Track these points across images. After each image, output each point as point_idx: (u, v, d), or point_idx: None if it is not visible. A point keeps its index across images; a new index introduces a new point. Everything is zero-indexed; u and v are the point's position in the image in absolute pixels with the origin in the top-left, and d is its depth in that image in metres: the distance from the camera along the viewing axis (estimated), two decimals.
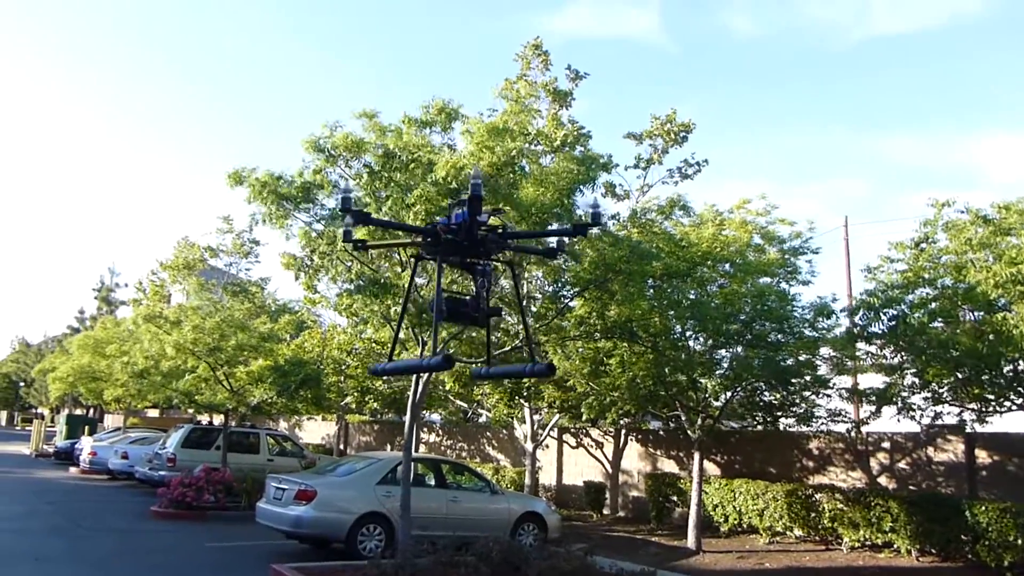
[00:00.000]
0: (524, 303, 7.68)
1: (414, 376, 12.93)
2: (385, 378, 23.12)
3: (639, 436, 20.54)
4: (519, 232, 7.15)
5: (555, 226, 11.05)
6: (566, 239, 7.10)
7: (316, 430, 35.02)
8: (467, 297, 6.05)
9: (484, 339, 14.34)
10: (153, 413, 49.28)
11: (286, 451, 22.23)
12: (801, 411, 15.19)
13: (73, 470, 27.69)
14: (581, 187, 11.53)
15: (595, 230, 12.78)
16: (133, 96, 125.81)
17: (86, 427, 34.58)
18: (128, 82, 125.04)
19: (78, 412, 48.40)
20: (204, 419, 29.63)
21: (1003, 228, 11.27)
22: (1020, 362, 11.54)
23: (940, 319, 12.03)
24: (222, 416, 20.81)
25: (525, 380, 16.62)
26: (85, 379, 31.22)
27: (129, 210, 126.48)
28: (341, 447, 30.87)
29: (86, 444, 27.75)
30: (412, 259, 6.57)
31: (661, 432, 20.11)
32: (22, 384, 66.11)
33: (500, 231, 6.12)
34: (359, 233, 8.77)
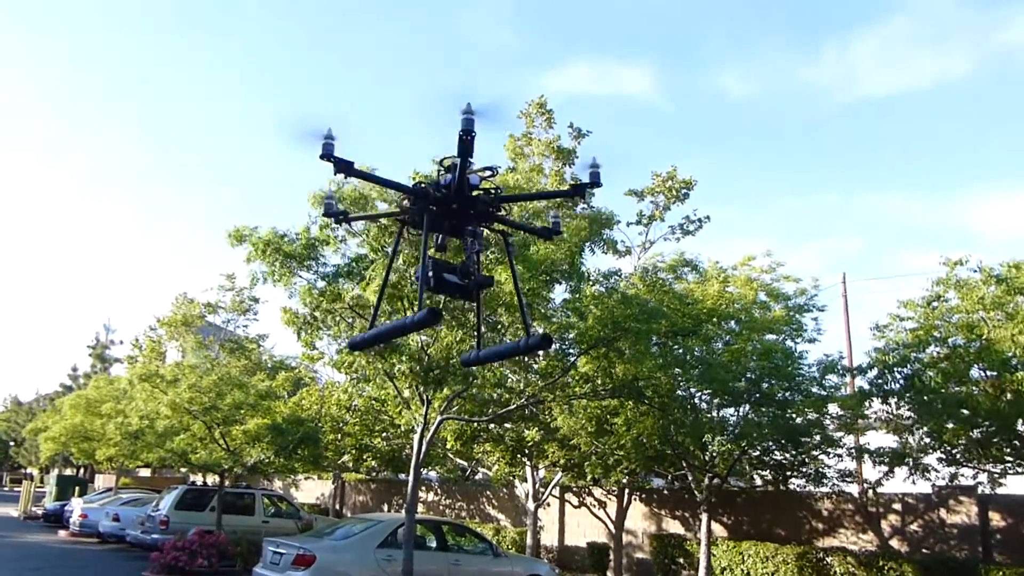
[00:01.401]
0: (519, 283, 6.95)
1: (416, 435, 12.70)
2: (383, 435, 22.76)
3: (643, 495, 20.12)
4: (514, 195, 6.47)
5: (562, 285, 10.99)
6: (561, 223, 6.30)
7: (312, 489, 34.34)
8: (456, 264, 5.36)
9: (487, 398, 14.21)
10: (145, 473, 48.40)
11: (282, 512, 21.69)
12: (811, 471, 14.91)
13: (62, 533, 26.94)
14: (591, 244, 11.51)
15: (597, 286, 12.76)
16: (130, 151, 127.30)
17: (76, 488, 33.82)
18: (125, 138, 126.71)
19: (68, 472, 47.50)
20: (198, 479, 29.05)
21: (1016, 287, 11.23)
22: None
23: (954, 379, 11.88)
24: (216, 476, 20.36)
25: (527, 437, 16.35)
26: (77, 439, 30.68)
27: (125, 266, 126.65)
28: (337, 507, 30.20)
29: (76, 506, 27.06)
30: (399, 224, 5.82)
31: (665, 491, 19.72)
32: (12, 444, 65.04)
33: (493, 193, 5.58)
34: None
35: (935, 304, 12.70)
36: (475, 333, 11.31)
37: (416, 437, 12.64)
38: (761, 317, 14.19)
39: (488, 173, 5.45)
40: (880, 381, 12.78)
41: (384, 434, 21.98)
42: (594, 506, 20.87)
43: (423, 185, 5.38)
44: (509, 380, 14.38)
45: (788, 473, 15.46)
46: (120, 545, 22.82)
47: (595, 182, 5.50)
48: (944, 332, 12.40)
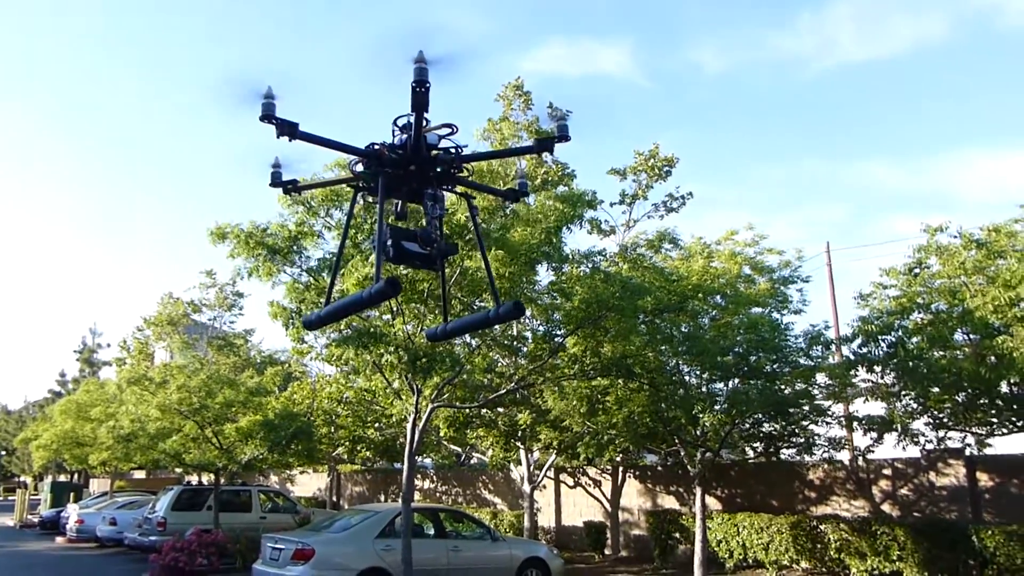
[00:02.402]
0: (485, 250, 6.48)
1: (409, 424, 12.74)
2: (376, 425, 22.80)
3: (637, 473, 20.27)
4: (477, 154, 6.07)
5: (544, 265, 11.00)
6: (528, 184, 5.93)
7: (308, 483, 34.38)
8: (416, 231, 4.93)
9: (478, 384, 14.25)
10: (140, 475, 48.28)
11: (279, 507, 21.74)
12: (801, 441, 15.07)
13: (60, 540, 26.88)
14: (568, 225, 11.51)
15: (581, 269, 12.77)
16: (110, 155, 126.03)
17: (72, 494, 33.70)
18: (107, 141, 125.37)
19: (62, 478, 47.30)
20: (193, 479, 29.01)
21: (995, 251, 11.34)
22: (1019, 385, 11.51)
23: (937, 344, 12.01)
24: (212, 475, 20.35)
25: (520, 420, 16.42)
26: (69, 445, 30.55)
27: (110, 270, 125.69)
28: (334, 499, 30.27)
29: (72, 512, 26.98)
30: (353, 191, 5.37)
31: (659, 467, 19.87)
32: (3, 453, 64.66)
33: (454, 151, 5.14)
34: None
35: (917, 271, 12.81)
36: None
37: (409, 426, 12.67)
38: (746, 291, 14.27)
39: (447, 131, 5.07)
40: (864, 350, 12.89)
41: (377, 424, 22.02)
42: (589, 485, 21.02)
43: (376, 146, 4.93)
44: (499, 365, 14.43)
45: (779, 444, 15.61)
46: (118, 549, 22.81)
47: (563, 135, 5.16)
48: (927, 299, 12.51)
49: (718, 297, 14.11)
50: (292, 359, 24.73)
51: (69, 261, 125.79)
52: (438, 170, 5.04)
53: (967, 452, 14.26)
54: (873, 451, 14.49)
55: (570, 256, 12.55)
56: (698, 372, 14.09)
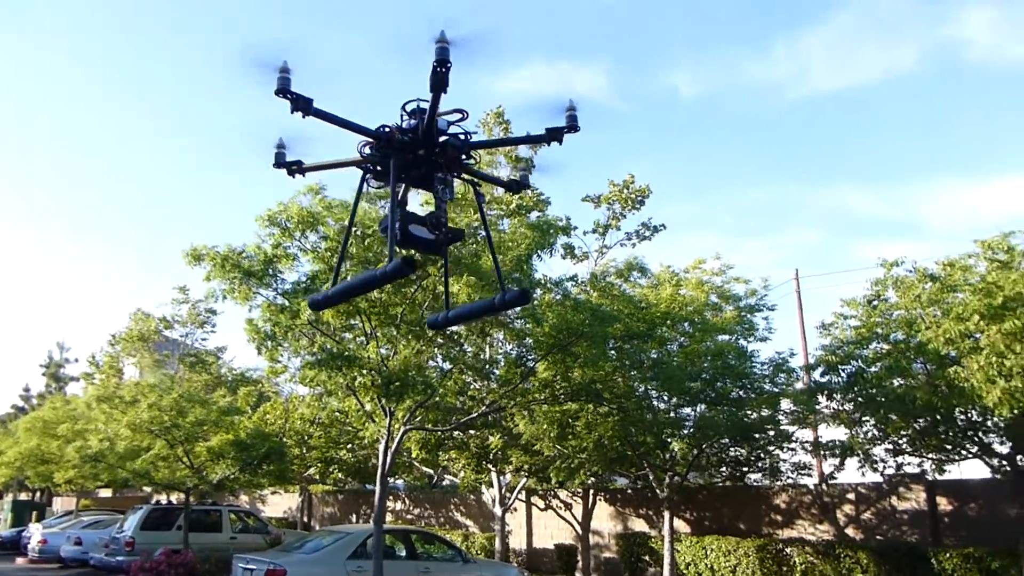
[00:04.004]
0: (491, 236, 6.20)
1: (381, 447, 12.84)
2: (348, 446, 22.78)
3: (607, 496, 20.46)
4: (487, 141, 5.76)
5: (514, 288, 11.22)
6: (529, 177, 5.74)
7: (279, 503, 34.10)
8: (424, 216, 4.88)
9: (450, 406, 14.39)
10: (106, 493, 47.47)
11: (249, 527, 21.56)
12: (766, 466, 15.39)
13: (20, 560, 26.33)
14: (539, 253, 11.78)
15: (552, 295, 13.02)
16: (82, 166, 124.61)
17: (34, 512, 33.08)
18: (78, 152, 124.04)
19: (24, 497, 46.36)
20: (161, 498, 28.69)
21: (949, 285, 11.80)
22: (973, 413, 11.94)
23: (895, 374, 12.43)
24: (181, 494, 20.18)
25: (491, 444, 16.56)
26: (34, 462, 30.03)
27: (79, 284, 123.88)
28: (305, 520, 30.06)
29: (35, 531, 26.45)
30: (361, 172, 5.25)
31: (629, 491, 20.08)
32: None
33: (463, 137, 5.08)
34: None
35: (875, 303, 13.26)
36: (437, 349, 11.43)
37: (381, 448, 12.78)
38: (713, 318, 14.63)
39: (458, 116, 4.98)
40: (825, 379, 13.29)
41: (349, 445, 22.01)
42: (560, 508, 21.16)
43: (387, 129, 4.84)
44: (471, 388, 14.60)
45: (745, 468, 15.92)
46: (84, 569, 22.46)
47: (572, 126, 5.04)
48: (885, 329, 12.95)
49: (686, 324, 14.44)
50: (265, 379, 24.62)
51: (36, 274, 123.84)
52: (448, 155, 4.98)
53: (928, 477, 14.67)
54: (836, 477, 14.86)
55: (541, 282, 12.80)
56: (666, 398, 14.39)
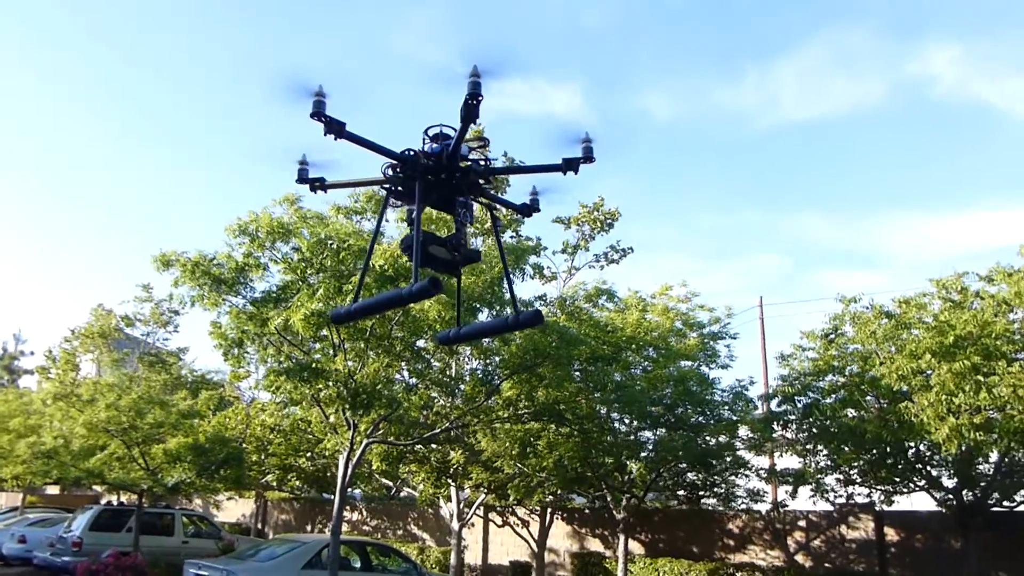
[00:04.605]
0: (506, 258, 6.49)
1: (342, 458, 12.85)
2: (308, 455, 22.64)
3: (564, 515, 20.60)
4: (507, 168, 5.94)
5: (485, 313, 11.36)
6: (539, 201, 5.89)
7: (233, 508, 33.64)
8: (444, 236, 5.11)
9: (413, 420, 14.45)
10: (54, 491, 46.33)
11: (202, 532, 21.29)
12: (722, 491, 15.68)
13: None
14: (511, 274, 11.93)
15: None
16: (47, 157, 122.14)
17: None
18: (45, 145, 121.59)
19: None
20: (113, 499, 28.15)
21: (904, 322, 12.21)
22: (922, 447, 12.34)
23: (849, 406, 12.81)
24: (133, 496, 19.88)
25: (452, 459, 16.62)
26: None
27: (39, 276, 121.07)
28: (260, 526, 29.71)
29: None
30: (385, 192, 5.37)
31: (587, 510, 20.24)
32: None
33: (483, 164, 5.28)
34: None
35: (832, 337, 13.66)
36: (401, 361, 11.49)
37: (342, 460, 12.78)
38: (677, 345, 14.91)
39: (479, 144, 5.19)
40: (781, 408, 13.63)
41: (309, 454, 21.87)
42: (517, 525, 21.24)
43: (413, 152, 5.03)
44: (436, 403, 14.66)
45: (701, 493, 16.19)
46: (26, 568, 21.93)
47: (588, 156, 5.23)
48: (841, 362, 13.34)
49: (651, 349, 14.70)
50: (228, 383, 24.35)
51: None
52: (470, 180, 5.17)
53: (876, 508, 15.06)
54: (787, 505, 15.19)
55: (511, 301, 12.93)
56: (627, 421, 14.61)
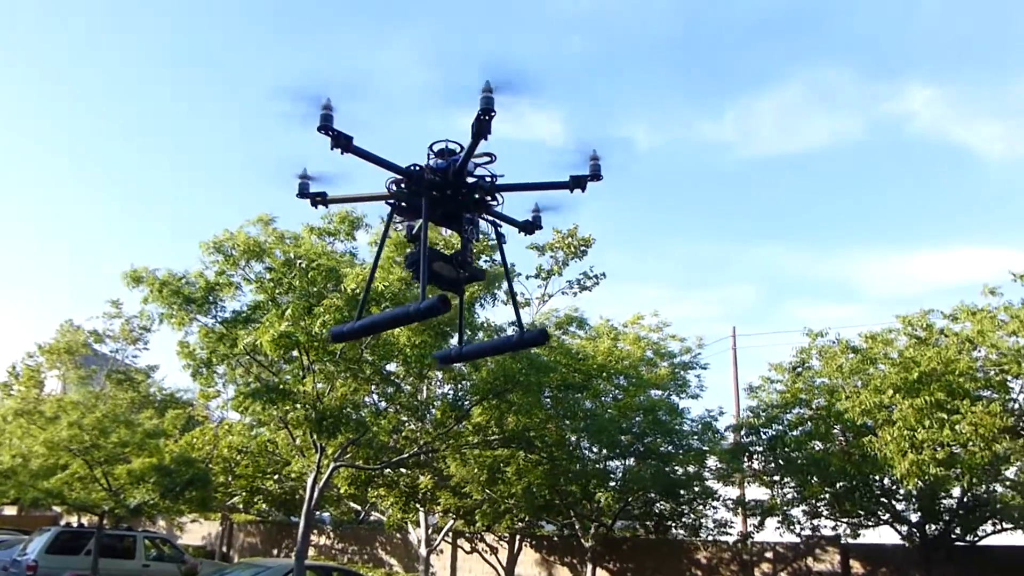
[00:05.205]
0: (511, 278, 6.27)
1: (309, 481, 12.72)
2: (276, 477, 22.36)
3: (533, 542, 20.48)
4: (513, 184, 5.89)
5: (454, 338, 11.35)
6: (541, 217, 5.79)
7: (197, 530, 33.02)
8: (449, 253, 5.00)
9: (381, 445, 14.35)
10: (11, 511, 45.13)
11: (164, 556, 20.83)
12: (690, 521, 15.69)
13: None
14: (482, 300, 11.97)
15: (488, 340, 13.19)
16: (15, 177, 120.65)
17: None
18: (10, 160, 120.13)
19: None
20: (72, 520, 27.52)
21: (869, 357, 12.40)
22: (886, 481, 12.48)
23: (816, 439, 12.94)
24: (94, 517, 19.44)
25: (421, 484, 16.50)
26: None
27: (4, 289, 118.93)
28: (225, 549, 29.18)
29: None
30: (389, 207, 5.19)
31: (555, 538, 20.14)
32: None
33: (489, 180, 5.14)
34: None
35: (799, 370, 13.83)
36: (372, 384, 11.45)
37: (309, 483, 12.65)
38: (648, 374, 15.00)
39: (487, 159, 5.02)
40: (748, 439, 13.73)
41: (277, 476, 21.60)
42: (486, 552, 21.07)
43: (419, 167, 4.91)
44: (405, 428, 14.58)
45: (669, 523, 16.19)
46: None
47: (596, 174, 5.16)
48: (808, 395, 13.50)
49: (621, 378, 14.76)
50: (197, 402, 24.03)
51: None
52: (475, 196, 5.05)
53: (842, 540, 15.15)
54: (753, 536, 15.23)
55: (483, 326, 12.95)
56: (596, 449, 14.62)
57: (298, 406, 10.95)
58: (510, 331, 13.97)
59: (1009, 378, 11.84)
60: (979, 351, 12.05)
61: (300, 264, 11.21)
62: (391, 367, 12.59)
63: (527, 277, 19.40)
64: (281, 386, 11.21)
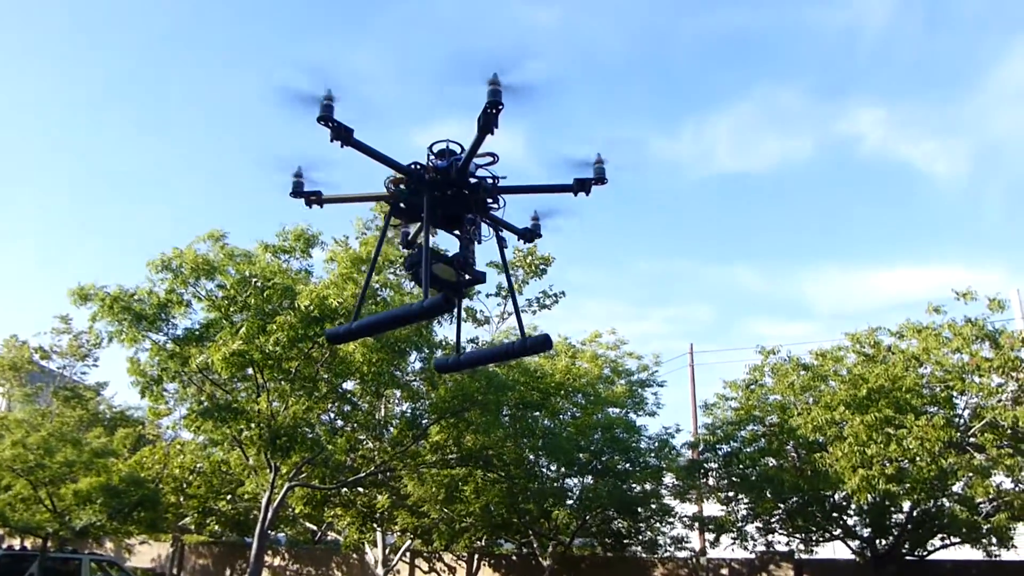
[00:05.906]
0: (513, 287, 5.98)
1: (263, 501, 12.49)
2: (229, 497, 21.90)
3: (491, 561, 20.35)
4: (516, 186, 5.64)
5: (414, 356, 11.32)
6: (540, 224, 5.58)
7: (147, 552, 32.11)
8: (450, 255, 4.79)
9: (338, 464, 14.17)
10: None
11: None
12: (647, 538, 15.76)
13: None
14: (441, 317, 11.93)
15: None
16: None
17: None
18: None
19: None
20: (14, 543, 26.61)
21: (820, 374, 12.66)
22: (837, 496, 12.70)
23: (769, 455, 13.14)
24: (38, 539, 18.83)
25: (378, 504, 16.32)
26: None
27: None
28: (176, 572, 28.42)
29: None
30: (389, 206, 5.00)
31: (513, 556, 20.05)
32: None
33: (491, 181, 4.94)
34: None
35: (753, 387, 14.05)
36: (329, 402, 11.30)
37: (263, 503, 12.43)
38: (605, 392, 15.08)
39: (489, 160, 4.83)
40: (703, 458, 13.89)
41: (230, 496, 21.15)
42: (444, 571, 20.88)
43: (420, 166, 4.73)
44: (362, 446, 14.43)
45: (626, 540, 16.25)
46: None
47: (600, 178, 5.01)
48: (762, 412, 13.71)
49: (579, 396, 14.83)
50: (147, 420, 23.45)
51: None
52: (478, 197, 4.88)
53: (796, 556, 15.35)
54: (707, 552, 15.36)
55: (441, 344, 12.91)
56: (554, 467, 14.64)
57: (252, 425, 10.77)
58: (472, 347, 13.95)
59: (954, 394, 12.17)
60: (925, 368, 12.36)
61: (255, 282, 11.07)
62: (348, 385, 12.46)
63: (487, 295, 19.43)
64: (234, 405, 11.03)
